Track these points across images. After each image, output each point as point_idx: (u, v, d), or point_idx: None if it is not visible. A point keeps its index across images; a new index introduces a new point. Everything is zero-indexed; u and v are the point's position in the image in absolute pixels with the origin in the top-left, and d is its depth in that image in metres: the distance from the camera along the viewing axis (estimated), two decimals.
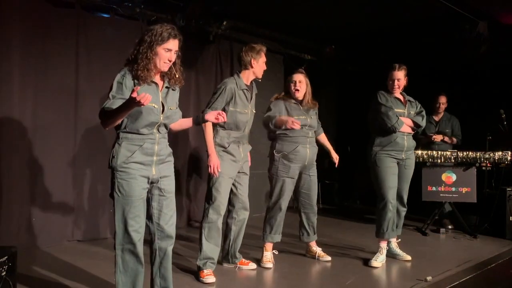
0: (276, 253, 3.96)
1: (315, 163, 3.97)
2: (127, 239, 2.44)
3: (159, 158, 2.54)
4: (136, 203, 2.45)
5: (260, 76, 3.64)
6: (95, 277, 3.36)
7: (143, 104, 2.15)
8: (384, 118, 3.93)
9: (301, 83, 3.83)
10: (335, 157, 4.10)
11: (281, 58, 6.72)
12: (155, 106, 2.47)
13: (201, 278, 3.35)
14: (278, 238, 3.89)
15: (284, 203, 3.83)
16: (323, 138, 4.15)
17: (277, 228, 3.86)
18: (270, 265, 3.77)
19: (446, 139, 5.54)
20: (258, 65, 3.58)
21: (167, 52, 2.48)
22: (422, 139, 5.44)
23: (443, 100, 5.59)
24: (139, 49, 2.45)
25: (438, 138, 5.47)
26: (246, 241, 3.87)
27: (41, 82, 4.21)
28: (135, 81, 2.43)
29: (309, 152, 3.84)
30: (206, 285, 3.30)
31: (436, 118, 5.62)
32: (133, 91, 2.14)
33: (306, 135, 3.82)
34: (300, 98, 3.86)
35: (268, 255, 3.83)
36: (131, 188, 2.42)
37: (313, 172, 3.97)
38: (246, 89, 3.55)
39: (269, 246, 3.88)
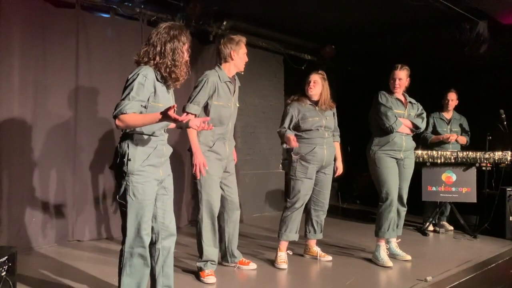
0: (291, 253, 3.94)
1: (333, 162, 3.98)
2: (139, 243, 2.42)
3: (165, 159, 2.55)
4: (150, 207, 2.45)
5: (241, 69, 3.51)
6: (95, 277, 3.36)
7: (179, 122, 2.20)
8: (383, 118, 3.95)
9: (316, 84, 3.83)
10: (339, 168, 4.06)
11: (281, 58, 6.73)
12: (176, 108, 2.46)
13: (202, 278, 3.34)
14: (294, 236, 3.83)
15: (301, 202, 3.82)
16: (336, 147, 4.06)
17: (293, 226, 3.81)
18: (284, 265, 3.72)
19: (459, 139, 5.44)
20: (239, 57, 3.43)
21: (187, 52, 2.49)
22: (432, 138, 5.37)
23: (452, 96, 5.43)
24: (166, 47, 2.40)
25: (453, 138, 5.34)
26: (251, 241, 3.87)
27: (41, 82, 4.21)
28: (161, 81, 2.42)
29: (326, 153, 3.84)
30: (207, 285, 3.29)
31: (447, 116, 5.52)
32: (169, 109, 2.14)
33: (323, 136, 3.83)
34: (315, 98, 3.85)
35: (283, 256, 3.80)
36: (145, 191, 2.40)
37: (329, 170, 3.96)
38: (229, 82, 3.43)
39: (283, 246, 3.83)
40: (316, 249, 4.03)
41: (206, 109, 3.36)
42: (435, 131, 5.43)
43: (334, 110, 4.01)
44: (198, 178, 3.32)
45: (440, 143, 5.41)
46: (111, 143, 4.44)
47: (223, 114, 3.38)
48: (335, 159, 4.03)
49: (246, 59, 3.51)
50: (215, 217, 3.44)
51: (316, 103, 3.86)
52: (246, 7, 5.28)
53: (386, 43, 6.22)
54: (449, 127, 5.49)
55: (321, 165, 3.86)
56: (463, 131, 5.54)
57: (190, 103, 3.30)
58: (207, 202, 3.37)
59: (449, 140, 5.32)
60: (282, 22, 5.83)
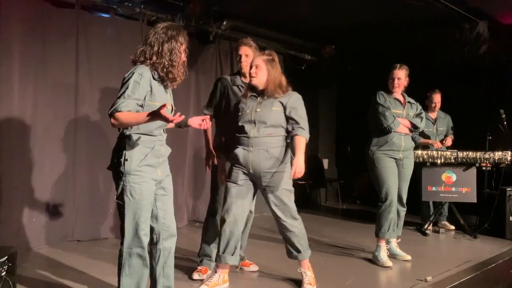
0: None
1: (271, 171, 3.02)
2: (137, 243, 2.42)
3: (163, 159, 2.54)
4: (148, 207, 2.44)
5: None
6: (95, 277, 3.36)
7: (171, 121, 2.19)
8: (381, 118, 3.96)
9: (259, 69, 3.02)
10: (295, 164, 2.94)
11: (281, 58, 6.73)
12: (168, 106, 2.46)
13: (192, 274, 3.39)
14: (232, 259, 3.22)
15: (226, 211, 3.13)
16: (295, 141, 3.04)
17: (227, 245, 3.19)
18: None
19: (447, 142, 5.49)
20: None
21: (184, 52, 2.49)
22: (420, 141, 5.37)
23: (438, 99, 5.49)
24: (163, 48, 2.39)
25: (439, 145, 5.39)
26: (251, 241, 3.86)
27: (41, 82, 4.21)
28: (157, 80, 2.42)
29: (252, 157, 3.02)
30: (194, 282, 3.33)
31: (433, 116, 5.57)
32: (162, 107, 2.12)
33: (248, 135, 3.04)
34: (260, 87, 3.07)
35: None
36: (143, 191, 2.39)
37: (270, 180, 3.04)
38: (242, 86, 3.47)
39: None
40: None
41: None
42: (421, 131, 5.42)
43: (288, 99, 3.05)
44: (206, 171, 3.54)
45: (427, 146, 5.43)
46: (111, 143, 4.43)
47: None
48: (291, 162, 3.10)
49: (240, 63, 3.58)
50: (216, 212, 3.47)
51: (261, 94, 3.10)
52: (246, 7, 5.28)
53: (386, 43, 6.22)
54: (435, 126, 5.55)
55: (250, 173, 3.06)
56: (450, 129, 5.61)
57: (205, 104, 3.59)
58: (212, 198, 3.52)
59: (437, 146, 5.36)
60: (282, 22, 5.82)
